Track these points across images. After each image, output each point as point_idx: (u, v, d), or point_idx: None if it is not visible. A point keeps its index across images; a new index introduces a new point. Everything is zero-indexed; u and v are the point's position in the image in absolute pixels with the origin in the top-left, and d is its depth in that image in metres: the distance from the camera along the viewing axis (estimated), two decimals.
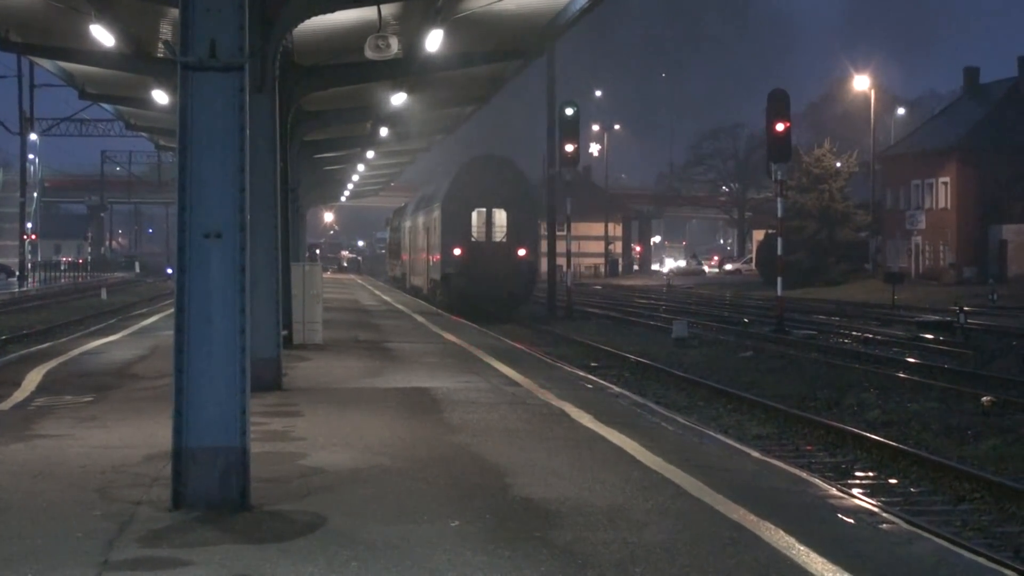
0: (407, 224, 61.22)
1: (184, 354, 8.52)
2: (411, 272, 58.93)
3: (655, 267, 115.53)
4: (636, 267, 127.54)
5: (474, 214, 45.62)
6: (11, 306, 47.11)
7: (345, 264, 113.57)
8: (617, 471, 10.24)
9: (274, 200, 16.43)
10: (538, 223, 48.11)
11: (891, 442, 15.58)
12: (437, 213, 47.29)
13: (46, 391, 15.66)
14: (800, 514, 8.86)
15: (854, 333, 35.10)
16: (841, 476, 13.93)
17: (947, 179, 75.61)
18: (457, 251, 44.96)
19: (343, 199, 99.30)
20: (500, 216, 45.68)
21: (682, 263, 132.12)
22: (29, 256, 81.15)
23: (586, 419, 13.44)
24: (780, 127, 35.27)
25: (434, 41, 23.04)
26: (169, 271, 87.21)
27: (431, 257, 49.26)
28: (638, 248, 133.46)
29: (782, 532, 8.14)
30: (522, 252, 45.11)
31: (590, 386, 17.70)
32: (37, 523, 8.18)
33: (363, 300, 44.76)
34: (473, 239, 45.34)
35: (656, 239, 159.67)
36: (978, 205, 73.48)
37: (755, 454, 11.95)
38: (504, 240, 45.31)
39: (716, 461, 11.08)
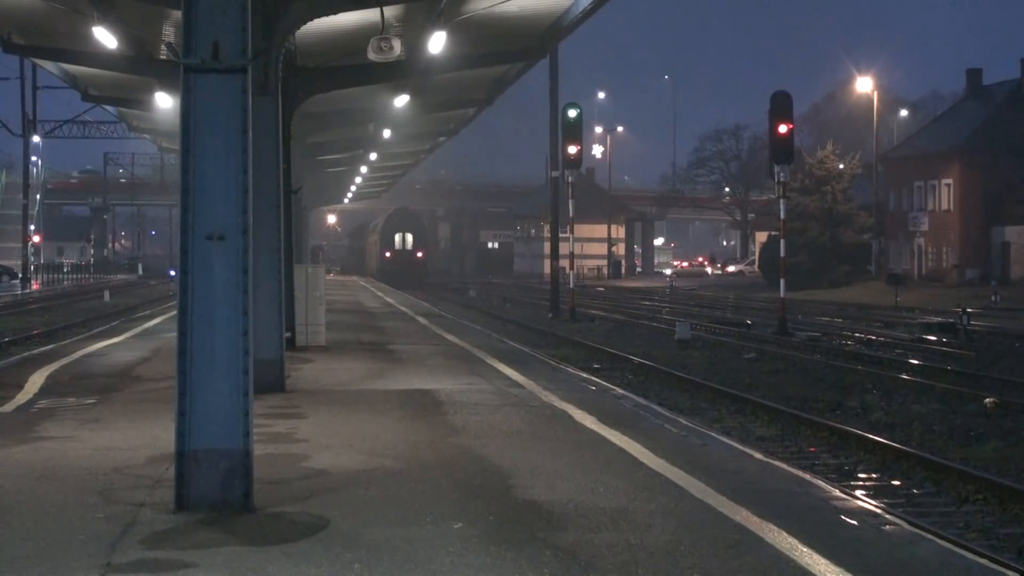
0: (367, 239, 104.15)
1: (187, 356, 8.52)
2: (368, 265, 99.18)
3: (667, 270, 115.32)
4: (639, 269, 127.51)
5: (396, 235, 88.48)
6: (14, 308, 47.13)
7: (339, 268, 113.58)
8: (620, 473, 10.24)
9: (277, 202, 16.43)
10: (428, 239, 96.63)
11: (894, 444, 15.56)
12: (379, 234, 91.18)
13: (49, 393, 15.67)
14: (803, 516, 8.85)
15: (857, 335, 35.07)
16: (844, 478, 13.91)
17: (950, 180, 75.57)
18: (387, 254, 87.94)
19: (346, 201, 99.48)
20: (409, 236, 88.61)
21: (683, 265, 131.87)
22: (32, 258, 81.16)
23: (589, 421, 13.44)
24: (783, 129, 35.24)
25: (437, 43, 23.06)
26: (172, 273, 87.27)
27: (376, 257, 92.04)
28: (638, 251, 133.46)
29: (785, 534, 8.14)
30: (420, 255, 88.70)
31: (593, 388, 17.69)
32: (40, 525, 8.19)
33: (366, 302, 44.76)
34: (396, 248, 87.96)
35: (659, 241, 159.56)
36: (981, 206, 73.44)
37: (758, 456, 11.94)
38: (411, 249, 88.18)
39: (719, 463, 11.07)
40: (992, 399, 19.85)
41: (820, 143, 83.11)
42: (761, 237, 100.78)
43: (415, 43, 24.24)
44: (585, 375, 20.41)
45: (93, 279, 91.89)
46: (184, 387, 8.51)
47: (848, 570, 7.32)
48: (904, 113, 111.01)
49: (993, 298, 53.55)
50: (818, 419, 17.87)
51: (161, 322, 31.36)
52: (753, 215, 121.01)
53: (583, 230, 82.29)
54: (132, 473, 10.03)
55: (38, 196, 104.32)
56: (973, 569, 7.74)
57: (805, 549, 7.75)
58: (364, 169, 64.04)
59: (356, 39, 22.72)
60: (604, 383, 19.13)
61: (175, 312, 8.89)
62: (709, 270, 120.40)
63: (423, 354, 22.10)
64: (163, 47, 26.08)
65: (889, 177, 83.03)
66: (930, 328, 37.11)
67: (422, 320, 33.43)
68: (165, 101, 32.87)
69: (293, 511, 8.67)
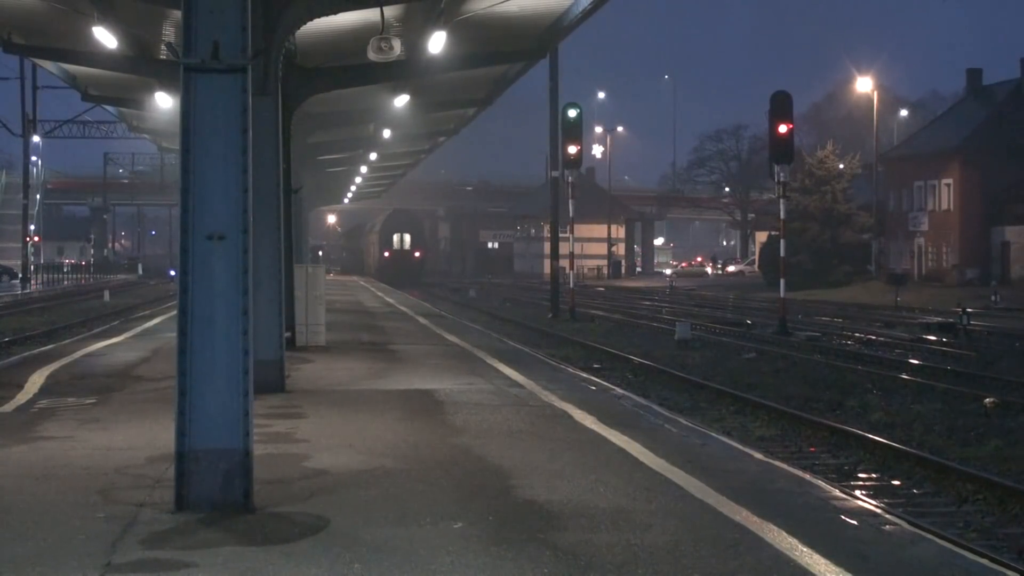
0: (366, 239, 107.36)
1: (187, 356, 8.52)
2: (367, 265, 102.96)
3: (667, 270, 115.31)
4: (639, 269, 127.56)
5: (395, 235, 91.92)
6: (14, 308, 47.11)
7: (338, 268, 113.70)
8: (620, 473, 10.24)
9: (277, 202, 16.43)
10: (425, 239, 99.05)
11: (894, 443, 15.56)
12: (377, 234, 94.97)
13: (49, 393, 15.67)
14: (803, 516, 8.85)
15: (857, 335, 35.07)
16: (844, 478, 13.91)
17: (950, 180, 75.56)
18: (386, 254, 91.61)
19: (346, 201, 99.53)
20: (407, 237, 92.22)
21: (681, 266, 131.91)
22: (32, 258, 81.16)
23: (589, 421, 13.44)
24: (783, 128, 35.22)
25: (437, 43, 23.06)
26: (172, 273, 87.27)
27: (375, 256, 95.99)
28: (638, 251, 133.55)
29: (785, 534, 8.14)
30: (417, 255, 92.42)
31: (593, 388, 17.69)
32: (40, 525, 8.19)
33: (365, 302, 44.77)
34: (394, 248, 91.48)
35: (659, 241, 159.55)
36: (981, 206, 73.42)
37: (758, 456, 11.94)
38: (408, 248, 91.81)
39: (719, 463, 11.07)
40: (992, 399, 19.85)
41: (820, 143, 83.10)
42: (761, 237, 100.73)
43: (415, 43, 24.24)
44: (585, 375, 20.41)
45: (93, 279, 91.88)
46: (184, 387, 8.51)
47: (848, 570, 7.32)
48: (904, 113, 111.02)
49: (993, 298, 53.54)
50: (818, 419, 17.86)
51: (161, 322, 31.35)
52: (753, 215, 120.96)
53: (583, 230, 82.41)
54: (132, 473, 10.03)
55: (38, 196, 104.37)
56: (973, 569, 7.74)
57: (805, 549, 7.75)
58: (364, 169, 64.04)
59: (356, 39, 22.72)
60: (604, 383, 19.13)
61: (175, 312, 8.90)
62: (709, 270, 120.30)
63: (423, 354, 22.10)
64: (163, 47, 26.09)
65: (889, 177, 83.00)
66: (930, 328, 37.11)
67: (422, 320, 33.42)
68: (165, 101, 32.86)
69: (293, 511, 8.67)
